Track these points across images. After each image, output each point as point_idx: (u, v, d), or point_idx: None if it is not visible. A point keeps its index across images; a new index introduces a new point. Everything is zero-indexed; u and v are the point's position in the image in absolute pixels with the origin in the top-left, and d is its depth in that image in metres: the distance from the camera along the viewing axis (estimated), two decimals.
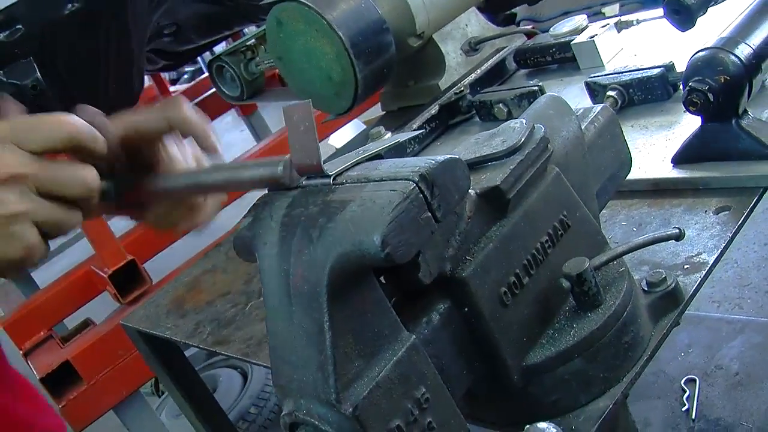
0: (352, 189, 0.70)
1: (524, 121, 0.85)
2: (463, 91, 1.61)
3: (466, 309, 0.76)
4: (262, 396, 3.02)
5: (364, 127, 2.77)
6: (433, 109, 1.61)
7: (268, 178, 0.77)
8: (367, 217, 0.65)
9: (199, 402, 1.85)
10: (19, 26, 2.67)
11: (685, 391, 2.14)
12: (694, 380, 2.16)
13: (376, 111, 2.42)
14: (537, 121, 0.87)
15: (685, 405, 2.10)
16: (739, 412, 2.01)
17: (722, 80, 1.04)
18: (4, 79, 2.56)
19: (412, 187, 0.65)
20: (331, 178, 0.73)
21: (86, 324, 2.43)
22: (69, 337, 2.38)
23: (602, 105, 0.99)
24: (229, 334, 1.34)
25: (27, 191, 0.75)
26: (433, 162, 0.68)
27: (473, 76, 1.68)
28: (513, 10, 2.91)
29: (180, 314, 1.53)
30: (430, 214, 0.66)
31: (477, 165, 0.82)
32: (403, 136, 0.81)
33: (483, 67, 1.70)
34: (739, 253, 2.61)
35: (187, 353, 2.12)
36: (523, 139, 0.82)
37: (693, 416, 2.05)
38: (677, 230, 0.88)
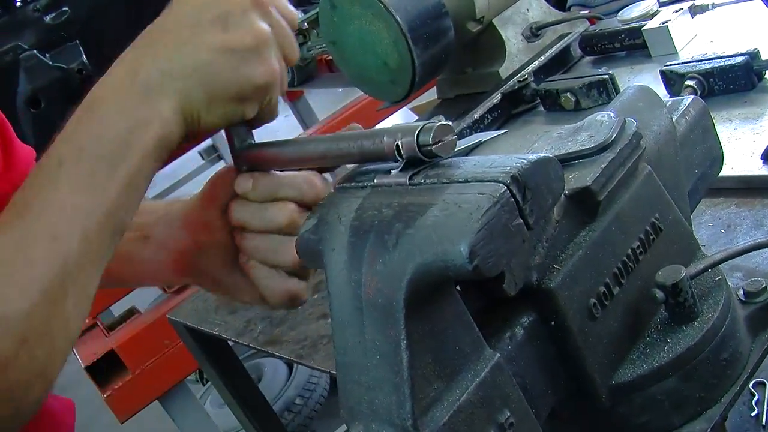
0: (432, 191, 0.62)
1: (612, 114, 0.78)
2: (527, 79, 1.53)
3: (552, 323, 0.69)
4: (308, 387, 2.98)
5: (415, 116, 2.67)
6: (495, 98, 1.53)
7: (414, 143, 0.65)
8: (451, 224, 0.57)
9: (244, 394, 1.80)
10: (66, 8, 2.64)
11: (753, 395, 2.03)
12: (764, 383, 2.05)
13: (424, 98, 2.33)
14: (626, 114, 0.79)
15: (754, 410, 1.99)
16: None
17: None
18: (51, 63, 2.53)
19: (503, 191, 0.58)
20: (407, 177, 0.66)
21: (131, 312, 2.40)
22: (114, 325, 2.35)
23: (693, 96, 0.91)
24: (282, 334, 1.27)
25: (271, 15, 0.76)
26: (525, 162, 0.60)
27: (536, 63, 1.60)
28: None
29: (229, 310, 1.47)
30: (522, 220, 0.59)
31: (562, 163, 0.75)
32: (486, 135, 0.74)
33: (547, 54, 1.62)
34: None
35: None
36: (614, 135, 0.74)
37: (763, 422, 1.95)
38: None
